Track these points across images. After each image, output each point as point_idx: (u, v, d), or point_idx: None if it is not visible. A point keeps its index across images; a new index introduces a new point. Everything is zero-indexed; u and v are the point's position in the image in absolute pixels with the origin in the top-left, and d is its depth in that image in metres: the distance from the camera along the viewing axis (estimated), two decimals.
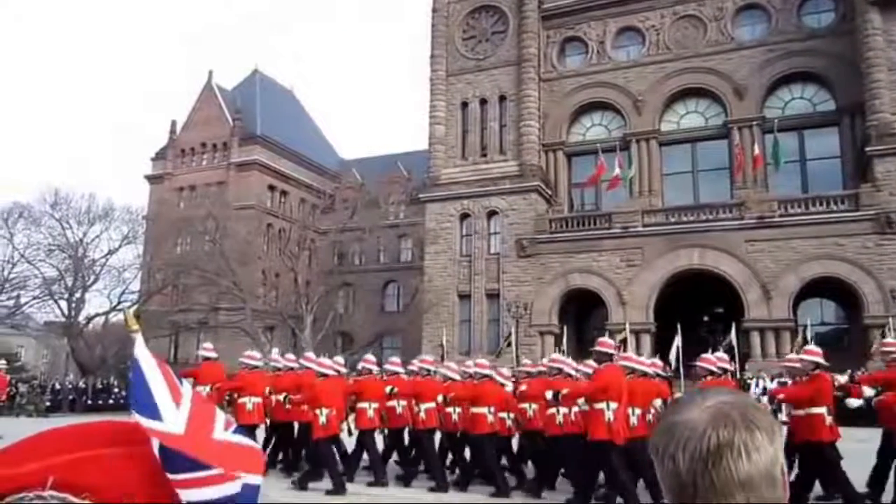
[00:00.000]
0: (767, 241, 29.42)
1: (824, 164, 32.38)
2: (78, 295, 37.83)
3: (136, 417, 1.46)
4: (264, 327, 39.74)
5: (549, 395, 9.02)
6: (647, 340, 30.26)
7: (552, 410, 9.37)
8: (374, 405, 10.48)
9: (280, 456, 11.99)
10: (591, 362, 9.72)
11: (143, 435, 1.48)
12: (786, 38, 32.72)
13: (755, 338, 28.89)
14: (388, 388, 10.83)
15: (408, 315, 40.48)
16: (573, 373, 9.73)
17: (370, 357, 11.53)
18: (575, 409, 8.79)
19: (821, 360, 8.58)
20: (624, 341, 26.18)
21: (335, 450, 10.33)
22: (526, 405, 10.32)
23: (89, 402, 32.32)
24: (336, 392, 10.27)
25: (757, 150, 31.31)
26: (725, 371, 9.54)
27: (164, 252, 41.34)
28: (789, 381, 22.37)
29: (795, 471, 8.17)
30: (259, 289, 42.12)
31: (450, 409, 10.41)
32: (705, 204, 31.95)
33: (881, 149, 28.89)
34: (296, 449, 11.73)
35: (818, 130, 32.81)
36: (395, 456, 11.52)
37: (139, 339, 1.64)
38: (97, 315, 39.45)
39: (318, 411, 9.90)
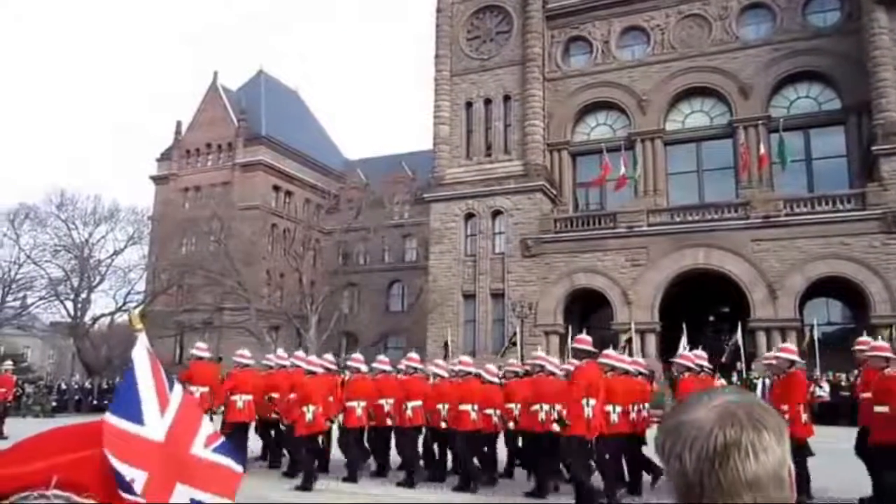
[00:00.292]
0: (773, 241, 29.31)
1: (830, 163, 32.26)
2: (84, 295, 37.97)
3: (109, 417, 1.46)
4: (269, 327, 39.82)
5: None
6: (652, 340, 30.23)
7: (535, 408, 9.57)
8: (363, 403, 10.68)
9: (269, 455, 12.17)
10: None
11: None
12: (791, 37, 32.61)
13: (761, 337, 28.78)
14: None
15: (412, 315, 40.50)
16: (556, 371, 9.85)
17: (358, 356, 11.70)
18: (558, 406, 8.91)
19: (796, 357, 8.75)
20: (629, 341, 26.25)
21: (317, 447, 10.50)
22: (512, 405, 10.47)
23: (95, 402, 32.41)
24: (323, 390, 10.47)
25: (762, 150, 31.21)
26: (703, 368, 9.40)
27: (169, 252, 41.49)
28: None
29: None
30: (264, 289, 42.19)
31: (438, 407, 10.58)
32: (710, 203, 31.86)
33: (887, 148, 28.77)
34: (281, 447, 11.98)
35: (824, 129, 32.69)
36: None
37: (141, 339, 1.64)
38: (103, 315, 39.59)
39: (304, 408, 10.08)
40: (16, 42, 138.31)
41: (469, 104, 36.77)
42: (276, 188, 51.92)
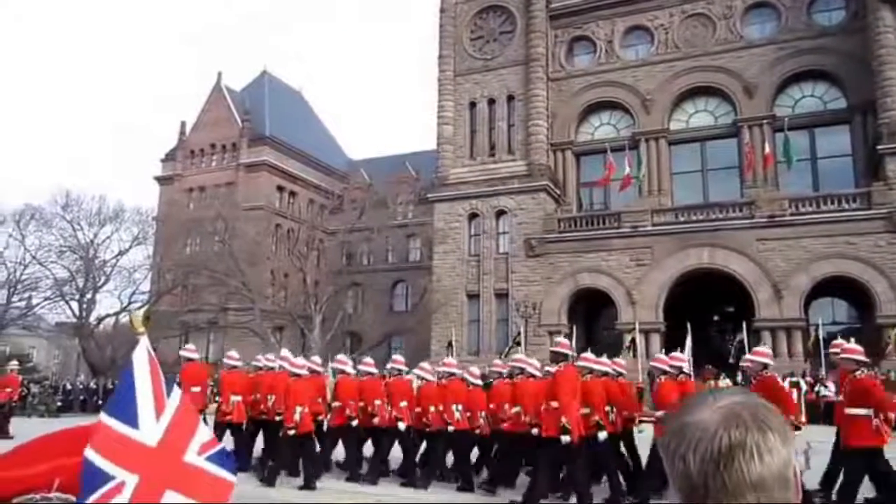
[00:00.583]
0: (778, 240, 29.22)
1: (835, 162, 32.14)
2: (89, 296, 38.15)
3: (104, 418, 1.46)
4: (273, 327, 39.90)
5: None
6: (656, 340, 30.13)
7: (517, 409, 9.71)
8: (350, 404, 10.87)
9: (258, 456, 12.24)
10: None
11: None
12: (796, 36, 32.50)
13: (766, 337, 28.65)
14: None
15: (416, 315, 40.52)
16: (536, 373, 9.96)
17: (343, 358, 11.96)
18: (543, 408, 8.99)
19: (769, 361, 8.81)
20: (633, 341, 26.17)
21: (302, 448, 10.63)
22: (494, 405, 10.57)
23: (100, 402, 32.42)
24: (308, 391, 10.69)
25: (767, 149, 31.10)
26: (682, 371, 9.30)
27: (173, 253, 41.60)
28: (801, 381, 22.31)
29: None
30: (268, 289, 42.30)
31: (421, 408, 10.74)
32: (715, 203, 31.77)
33: (893, 147, 28.65)
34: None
35: (829, 129, 32.55)
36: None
37: (143, 341, 1.64)
38: (108, 316, 39.79)
39: (292, 409, 10.28)
40: (16, 42, 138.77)
41: (473, 104, 36.76)
42: (280, 188, 52.00)
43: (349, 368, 11.46)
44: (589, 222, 33.37)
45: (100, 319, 39.67)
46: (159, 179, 53.49)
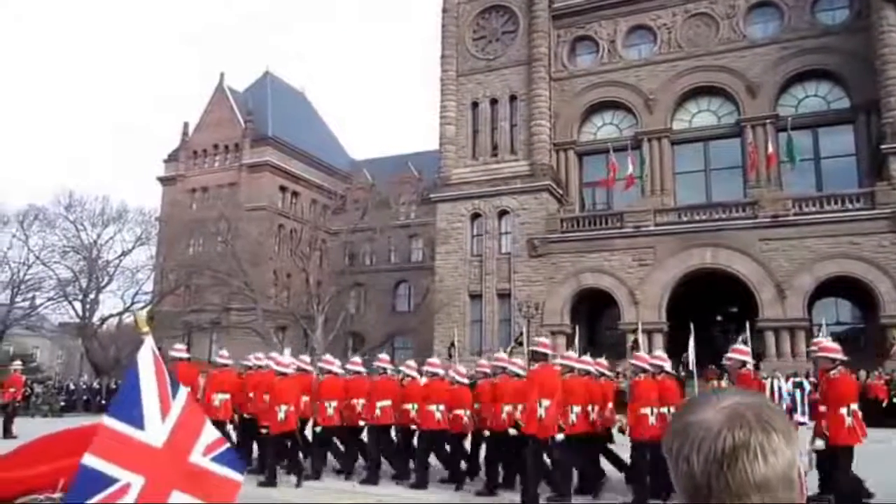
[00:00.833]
0: (782, 240, 29.17)
1: (839, 162, 32.07)
2: (92, 296, 38.19)
3: (107, 420, 1.45)
4: (276, 327, 39.96)
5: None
6: (659, 340, 30.07)
7: (508, 408, 9.72)
8: (334, 403, 11.04)
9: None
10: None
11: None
12: (799, 36, 32.44)
13: (770, 337, 28.66)
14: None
15: (419, 315, 40.52)
16: (521, 372, 10.07)
17: (329, 358, 12.10)
18: (521, 406, 9.12)
19: (747, 358, 8.98)
20: (636, 341, 26.12)
21: (287, 446, 10.71)
22: (478, 405, 10.65)
23: (103, 402, 32.54)
24: (296, 389, 10.81)
25: (770, 149, 31.05)
26: (663, 370, 9.27)
27: (176, 253, 41.68)
28: (804, 381, 22.25)
29: None
30: (271, 289, 42.35)
31: (407, 406, 10.80)
32: (718, 203, 31.73)
33: None
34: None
35: (833, 128, 32.49)
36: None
37: (148, 341, 1.64)
38: (111, 316, 39.81)
39: (277, 408, 10.40)
40: (16, 42, 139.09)
41: (475, 104, 36.76)
42: (283, 189, 52.06)
43: (336, 368, 11.59)
44: (591, 222, 33.34)
45: (103, 319, 39.73)
46: (162, 180, 53.59)
